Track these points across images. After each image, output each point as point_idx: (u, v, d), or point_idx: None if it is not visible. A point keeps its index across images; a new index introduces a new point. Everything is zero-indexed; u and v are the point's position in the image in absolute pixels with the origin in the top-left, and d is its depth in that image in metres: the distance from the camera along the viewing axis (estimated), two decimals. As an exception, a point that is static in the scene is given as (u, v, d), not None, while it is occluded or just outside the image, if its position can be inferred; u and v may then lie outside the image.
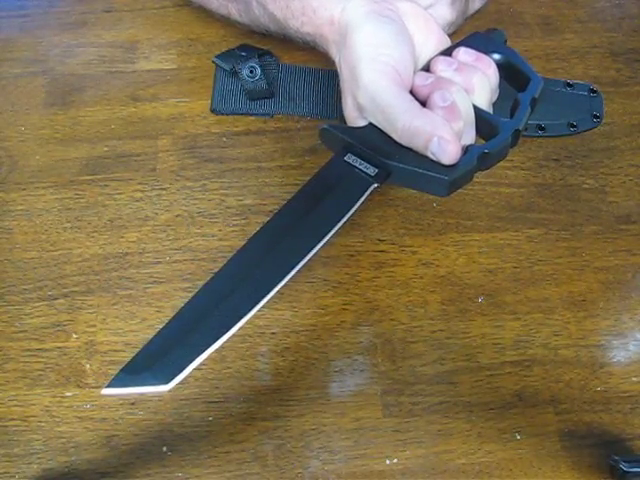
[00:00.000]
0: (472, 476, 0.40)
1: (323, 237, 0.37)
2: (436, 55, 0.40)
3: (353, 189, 0.38)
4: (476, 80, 0.38)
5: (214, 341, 0.33)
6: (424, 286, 0.45)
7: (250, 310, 0.34)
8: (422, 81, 0.38)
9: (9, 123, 0.51)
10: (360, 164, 0.38)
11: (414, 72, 0.39)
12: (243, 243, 0.37)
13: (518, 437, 0.41)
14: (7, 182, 0.49)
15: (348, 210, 0.37)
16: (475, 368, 0.43)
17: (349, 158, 0.39)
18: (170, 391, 0.32)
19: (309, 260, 0.36)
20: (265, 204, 0.48)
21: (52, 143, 0.50)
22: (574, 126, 0.51)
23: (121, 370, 0.33)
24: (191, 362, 0.33)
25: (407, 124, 0.36)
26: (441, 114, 0.36)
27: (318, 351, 0.43)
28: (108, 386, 0.33)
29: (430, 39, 0.40)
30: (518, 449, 0.40)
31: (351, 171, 0.38)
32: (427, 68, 0.40)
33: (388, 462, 0.40)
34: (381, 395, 0.42)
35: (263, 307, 0.44)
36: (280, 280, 0.35)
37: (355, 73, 0.38)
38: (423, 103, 0.37)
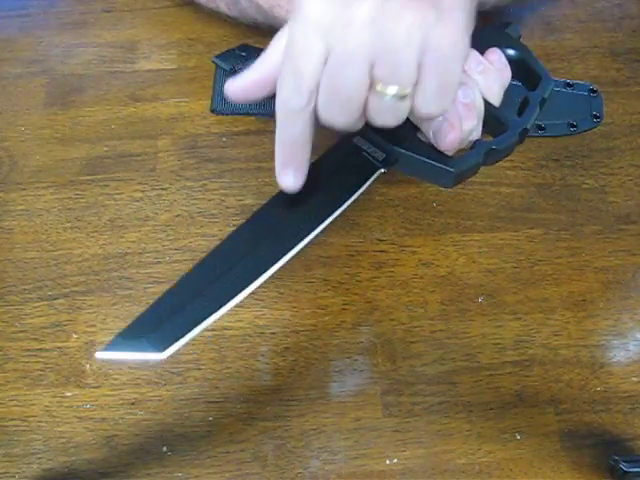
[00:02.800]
0: (472, 476, 0.40)
1: (326, 218, 0.37)
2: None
3: (360, 173, 0.38)
4: (493, 81, 0.38)
5: (213, 312, 0.33)
6: (424, 286, 0.45)
7: (250, 284, 0.34)
8: None
9: (9, 123, 0.51)
10: (368, 148, 0.38)
11: None
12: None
13: (518, 437, 0.41)
14: (7, 182, 0.49)
15: (353, 193, 0.37)
16: (475, 368, 0.43)
17: (358, 141, 0.38)
18: (166, 359, 0.32)
19: (310, 241, 0.36)
20: (265, 204, 0.48)
21: (52, 143, 0.50)
22: (574, 126, 0.51)
23: (117, 335, 0.33)
24: (189, 332, 0.33)
25: None
26: (460, 109, 0.36)
27: (318, 351, 0.43)
28: (103, 349, 0.32)
29: None
30: (518, 449, 0.40)
31: (359, 154, 0.38)
32: None
33: (388, 462, 0.40)
34: (381, 395, 0.42)
35: (261, 307, 0.44)
36: (281, 258, 0.35)
37: None
38: None
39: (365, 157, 0.38)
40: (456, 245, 0.46)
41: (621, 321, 0.44)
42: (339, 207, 0.37)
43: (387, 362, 0.43)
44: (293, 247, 0.36)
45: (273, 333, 0.43)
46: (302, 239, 0.36)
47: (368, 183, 0.38)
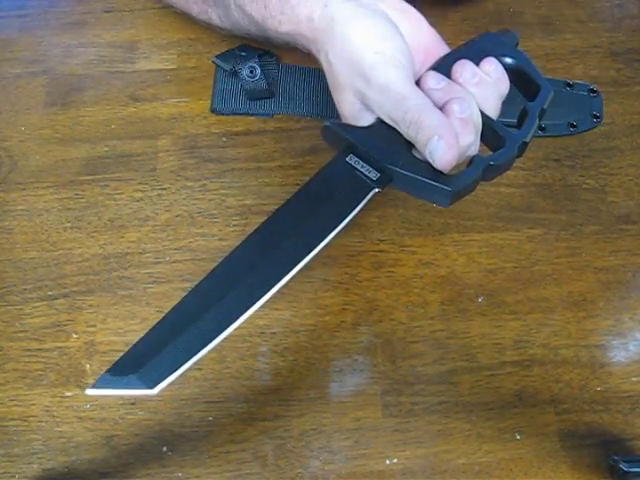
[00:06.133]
0: (472, 476, 0.40)
1: (321, 241, 0.36)
2: (458, 60, 0.38)
3: (354, 193, 0.37)
4: (490, 93, 0.37)
5: (204, 345, 0.32)
6: (424, 286, 0.45)
7: (242, 314, 0.33)
8: (434, 84, 0.37)
9: (9, 123, 0.51)
10: (362, 167, 0.37)
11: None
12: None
13: (518, 437, 0.41)
14: (7, 182, 0.49)
15: (347, 215, 0.36)
16: (475, 368, 0.43)
17: (351, 159, 0.38)
18: (157, 395, 0.32)
19: (306, 264, 0.35)
20: (265, 204, 0.48)
21: (52, 143, 0.50)
22: (574, 126, 0.51)
23: (107, 371, 0.32)
24: (179, 367, 0.32)
25: (416, 116, 0.35)
26: (456, 124, 0.35)
27: (318, 351, 0.43)
28: (93, 387, 0.32)
29: (419, 34, 0.39)
30: (518, 449, 0.40)
31: (352, 173, 0.37)
32: (435, 68, 0.38)
33: (388, 462, 0.40)
34: (381, 395, 0.42)
35: (262, 307, 0.44)
36: (274, 284, 0.34)
37: (359, 66, 0.37)
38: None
39: (359, 177, 0.37)
40: (456, 245, 0.46)
41: (621, 321, 0.44)
42: (333, 229, 0.36)
43: (387, 362, 0.43)
44: (288, 272, 0.35)
45: (273, 333, 0.43)
46: (296, 264, 0.35)
47: (363, 203, 0.37)
